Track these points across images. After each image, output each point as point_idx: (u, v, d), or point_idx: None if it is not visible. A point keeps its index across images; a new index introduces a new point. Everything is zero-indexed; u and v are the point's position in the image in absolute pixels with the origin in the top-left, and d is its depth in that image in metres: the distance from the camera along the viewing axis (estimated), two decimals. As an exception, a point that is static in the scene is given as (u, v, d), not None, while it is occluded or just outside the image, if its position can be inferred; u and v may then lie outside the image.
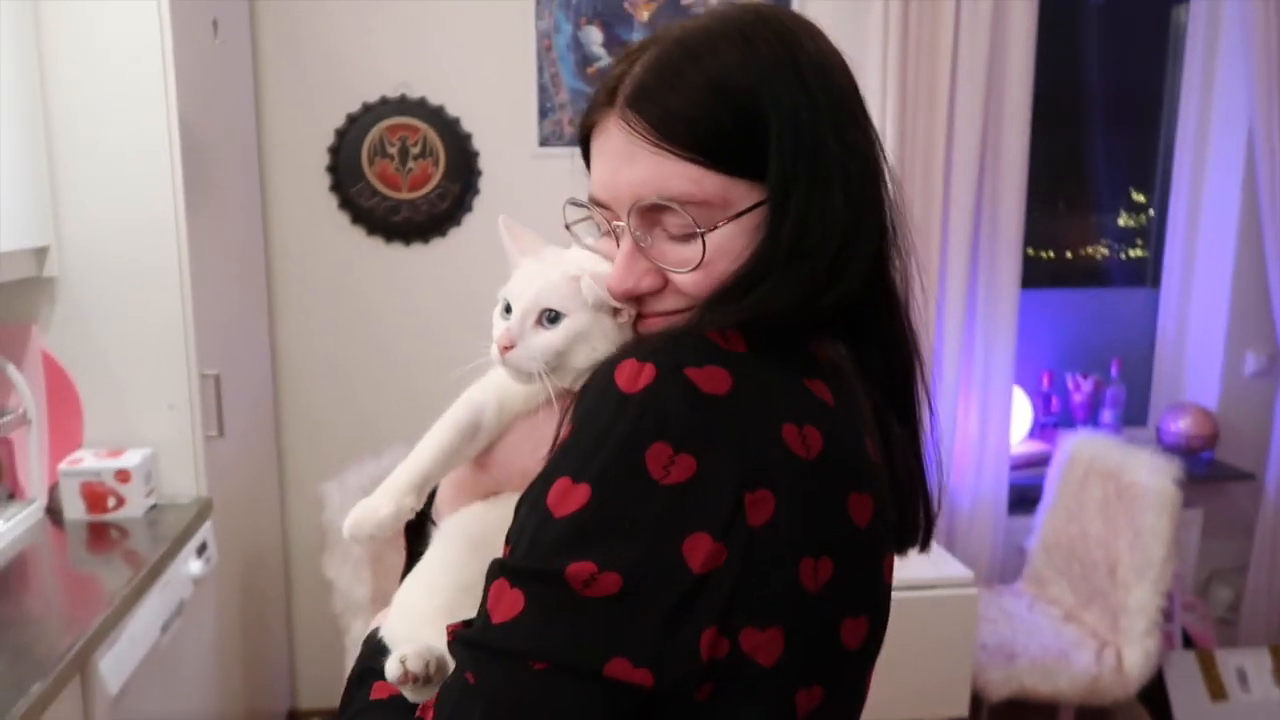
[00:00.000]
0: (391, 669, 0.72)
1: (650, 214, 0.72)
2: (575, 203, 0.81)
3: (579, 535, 0.62)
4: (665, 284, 0.74)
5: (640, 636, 0.61)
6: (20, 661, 1.41)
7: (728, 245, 0.71)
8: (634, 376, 0.64)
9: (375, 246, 2.71)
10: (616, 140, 0.73)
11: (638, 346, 0.68)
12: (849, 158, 0.72)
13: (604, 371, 0.66)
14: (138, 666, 1.63)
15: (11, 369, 1.93)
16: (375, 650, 0.80)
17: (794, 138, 0.69)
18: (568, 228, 0.84)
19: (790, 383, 0.69)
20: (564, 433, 0.67)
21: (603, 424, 0.63)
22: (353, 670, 0.82)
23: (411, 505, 0.76)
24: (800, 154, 0.70)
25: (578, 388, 0.71)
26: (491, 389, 0.82)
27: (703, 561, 0.61)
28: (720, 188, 0.70)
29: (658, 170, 0.70)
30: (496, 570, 0.65)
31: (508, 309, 0.79)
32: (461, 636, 0.65)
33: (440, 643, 0.70)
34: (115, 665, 1.56)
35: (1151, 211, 3.24)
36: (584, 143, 0.79)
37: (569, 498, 0.63)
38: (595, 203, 0.77)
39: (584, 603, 0.61)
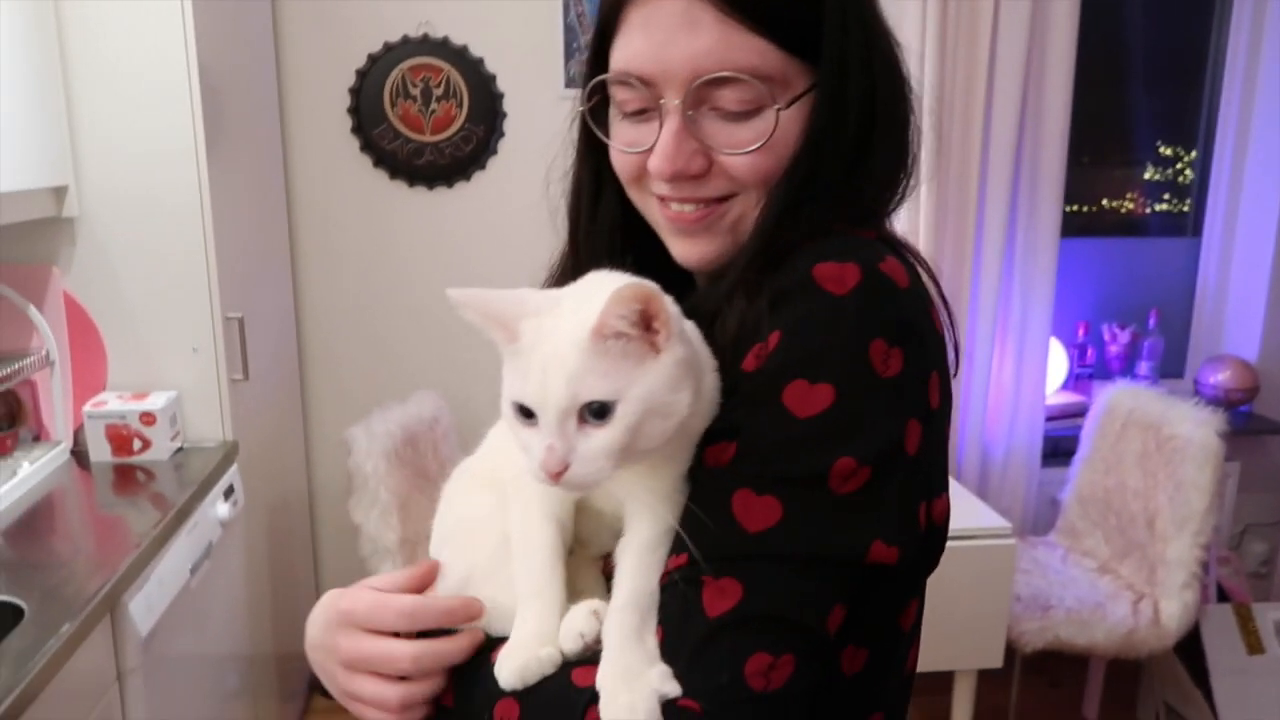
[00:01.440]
0: (572, 641, 0.67)
1: (704, 90, 0.70)
2: (596, 82, 0.74)
3: (831, 433, 0.63)
4: (709, 167, 0.72)
5: (889, 519, 0.64)
6: (51, 602, 1.40)
7: (790, 127, 0.71)
8: (840, 277, 0.65)
9: (398, 190, 2.66)
10: (672, 7, 0.68)
11: (822, 249, 0.66)
12: (889, 44, 0.75)
13: (800, 274, 0.65)
14: (167, 608, 1.62)
15: (33, 310, 1.91)
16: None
17: (845, 18, 0.71)
18: (583, 115, 0.79)
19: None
20: (773, 339, 0.65)
21: (824, 326, 0.64)
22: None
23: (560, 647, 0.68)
24: (852, 36, 0.71)
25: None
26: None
27: (916, 445, 0.65)
28: (781, 65, 0.70)
29: (723, 40, 0.68)
30: (730, 481, 0.64)
31: (524, 412, 0.63)
32: (707, 554, 0.63)
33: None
34: (145, 606, 1.54)
35: (1193, 162, 3.14)
36: (608, 22, 0.73)
37: (811, 399, 0.63)
38: (627, 80, 0.72)
39: (841, 498, 0.63)
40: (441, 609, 0.72)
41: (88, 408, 1.94)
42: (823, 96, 0.71)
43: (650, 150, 0.73)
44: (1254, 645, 2.46)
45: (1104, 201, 3.18)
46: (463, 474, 0.82)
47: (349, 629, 0.73)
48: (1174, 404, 2.39)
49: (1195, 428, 2.28)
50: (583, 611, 0.68)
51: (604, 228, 0.84)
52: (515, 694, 0.66)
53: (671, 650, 0.64)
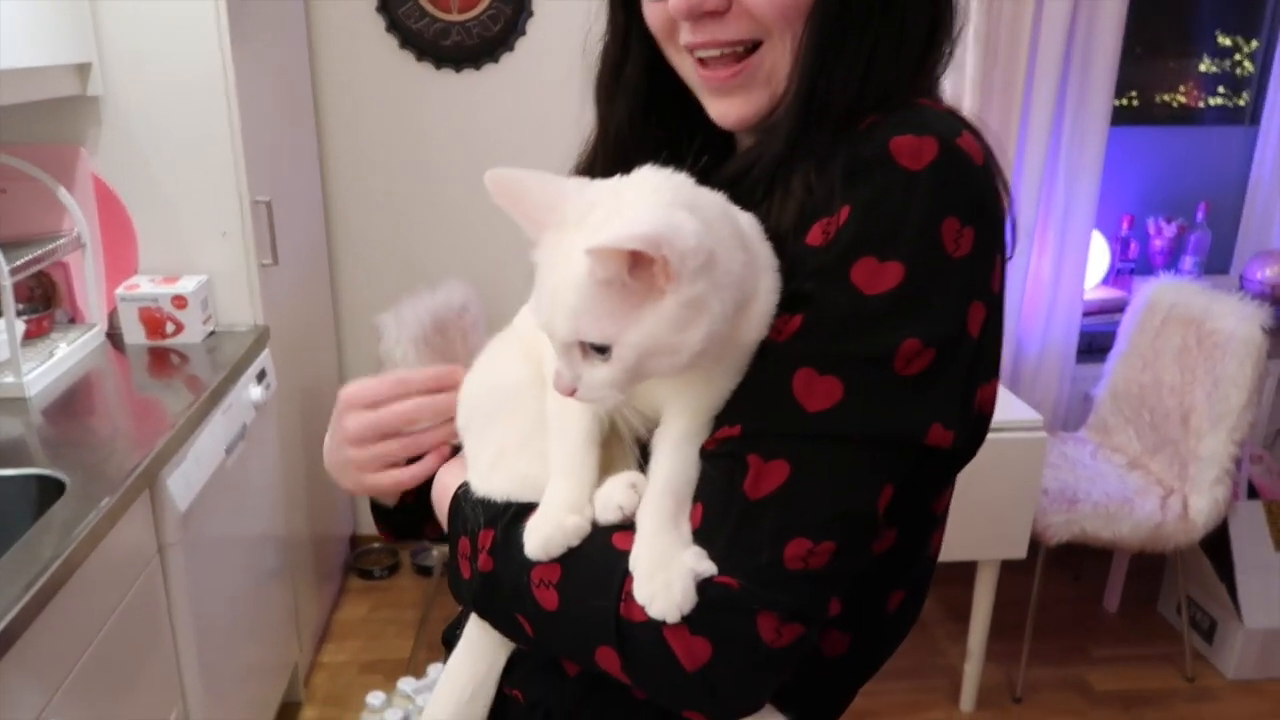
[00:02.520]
0: (610, 514, 0.67)
1: None
2: None
3: (898, 313, 0.61)
4: (729, 6, 0.69)
5: (950, 401, 0.64)
6: (91, 478, 1.43)
7: None
8: (917, 152, 0.62)
9: (425, 72, 2.59)
10: None
11: (899, 119, 0.64)
12: None
13: (877, 147, 0.63)
14: (204, 486, 1.66)
15: (63, 191, 1.90)
16: (488, 506, 0.73)
17: None
18: None
19: None
20: (843, 213, 0.63)
21: (898, 202, 0.62)
22: (467, 530, 0.74)
23: (590, 514, 0.68)
24: None
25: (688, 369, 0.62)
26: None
27: (979, 327, 0.65)
28: None
29: None
30: (793, 359, 0.63)
31: None
32: (760, 430, 0.63)
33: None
34: (183, 483, 1.58)
35: (1254, 53, 2.99)
36: None
37: (880, 276, 0.61)
38: None
39: (905, 379, 0.62)
40: (428, 376, 0.81)
41: (120, 291, 1.96)
42: None
43: None
44: (1282, 542, 2.45)
45: (1156, 97, 3.04)
46: (502, 339, 0.81)
47: (350, 412, 0.81)
48: (1218, 298, 2.33)
49: (1239, 322, 2.23)
50: (621, 484, 0.67)
51: (627, 94, 0.81)
52: (557, 557, 0.67)
53: (711, 526, 0.63)
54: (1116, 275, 2.97)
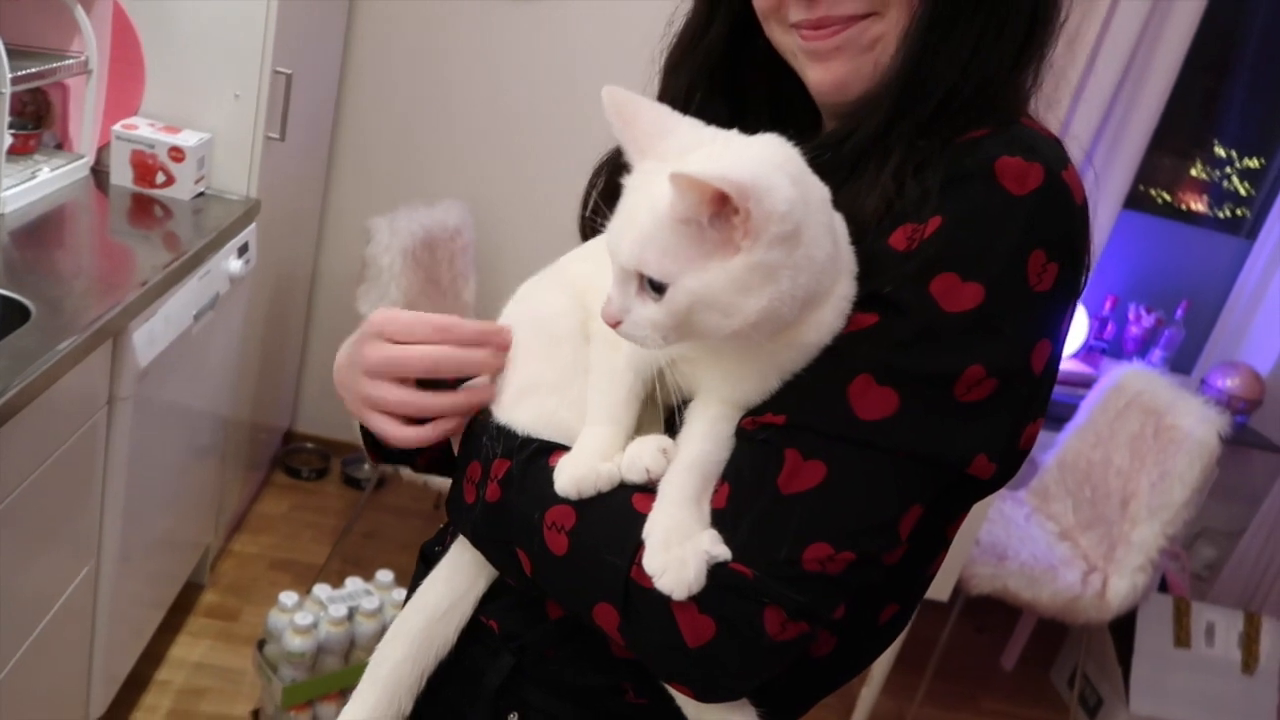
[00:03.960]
0: (636, 474, 0.65)
1: None
2: None
3: (969, 336, 0.60)
4: None
5: (999, 434, 0.63)
6: (56, 313, 1.37)
7: None
8: (1022, 176, 0.60)
9: (468, -12, 2.52)
10: None
11: (1010, 138, 0.62)
12: None
13: (980, 163, 0.61)
14: (167, 347, 1.60)
15: (79, 11, 1.81)
16: (508, 436, 0.70)
17: None
18: None
19: None
20: (933, 223, 0.61)
21: (991, 224, 0.60)
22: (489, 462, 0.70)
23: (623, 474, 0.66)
24: None
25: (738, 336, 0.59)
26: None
27: (1043, 365, 0.63)
28: None
29: None
30: (854, 362, 0.61)
31: None
32: (805, 425, 0.61)
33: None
34: (148, 339, 1.52)
35: (1257, 169, 3.05)
36: None
37: (960, 295, 0.60)
38: None
39: (961, 404, 0.61)
40: (474, 328, 0.72)
41: (118, 128, 1.87)
42: None
43: None
44: (1183, 639, 2.54)
45: (1154, 192, 3.08)
46: (548, 274, 0.78)
47: (377, 339, 0.73)
48: (1183, 396, 2.39)
49: (1198, 423, 2.28)
50: (650, 446, 0.66)
51: (693, 66, 0.78)
52: (573, 502, 0.65)
53: (735, 510, 0.62)
54: (1087, 351, 3.03)
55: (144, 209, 1.86)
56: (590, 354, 0.70)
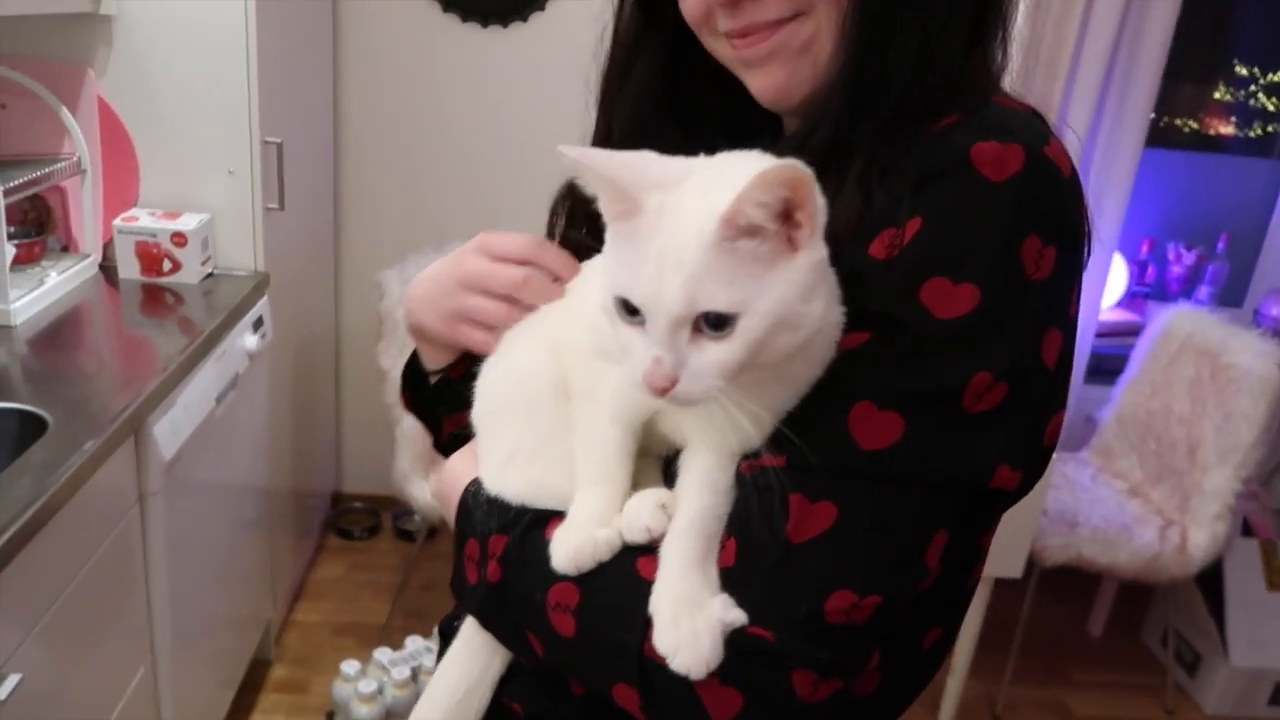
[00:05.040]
0: (637, 534, 0.61)
1: None
2: None
3: (970, 342, 0.55)
4: None
5: (1018, 440, 0.57)
6: (75, 417, 1.36)
7: None
8: (1000, 161, 0.56)
9: (450, 24, 2.50)
10: None
11: (981, 122, 0.57)
12: None
13: (954, 155, 0.56)
14: (191, 435, 1.59)
15: (65, 113, 1.82)
16: (501, 509, 0.67)
17: None
18: None
19: None
20: (912, 226, 0.56)
21: (976, 217, 0.56)
22: (475, 534, 0.68)
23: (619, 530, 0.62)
24: None
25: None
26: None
27: (1055, 357, 0.58)
28: None
29: None
30: (851, 388, 0.56)
31: (629, 310, 0.54)
32: (807, 465, 0.56)
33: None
34: (170, 430, 1.51)
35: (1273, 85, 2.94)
36: None
37: (953, 299, 0.55)
38: None
39: (971, 418, 0.56)
40: (560, 255, 0.72)
41: (118, 222, 1.88)
42: None
43: None
44: (1275, 582, 2.43)
45: (1176, 120, 2.98)
46: (526, 325, 0.74)
47: (479, 254, 0.73)
48: (1236, 333, 2.29)
49: (1255, 359, 2.19)
50: (649, 503, 0.61)
51: (635, 90, 0.74)
52: (574, 578, 0.61)
53: (746, 567, 0.57)
54: (1131, 298, 2.93)
55: (155, 298, 1.86)
56: (572, 412, 0.66)
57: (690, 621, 0.55)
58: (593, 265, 0.72)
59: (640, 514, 0.61)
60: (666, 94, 0.74)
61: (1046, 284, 0.57)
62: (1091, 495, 2.42)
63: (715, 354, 0.52)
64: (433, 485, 0.68)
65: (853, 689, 0.57)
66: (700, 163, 0.57)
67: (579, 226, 0.75)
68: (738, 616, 0.56)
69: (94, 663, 1.38)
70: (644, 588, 0.58)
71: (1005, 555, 2.13)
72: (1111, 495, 2.44)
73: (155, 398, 1.47)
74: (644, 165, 0.56)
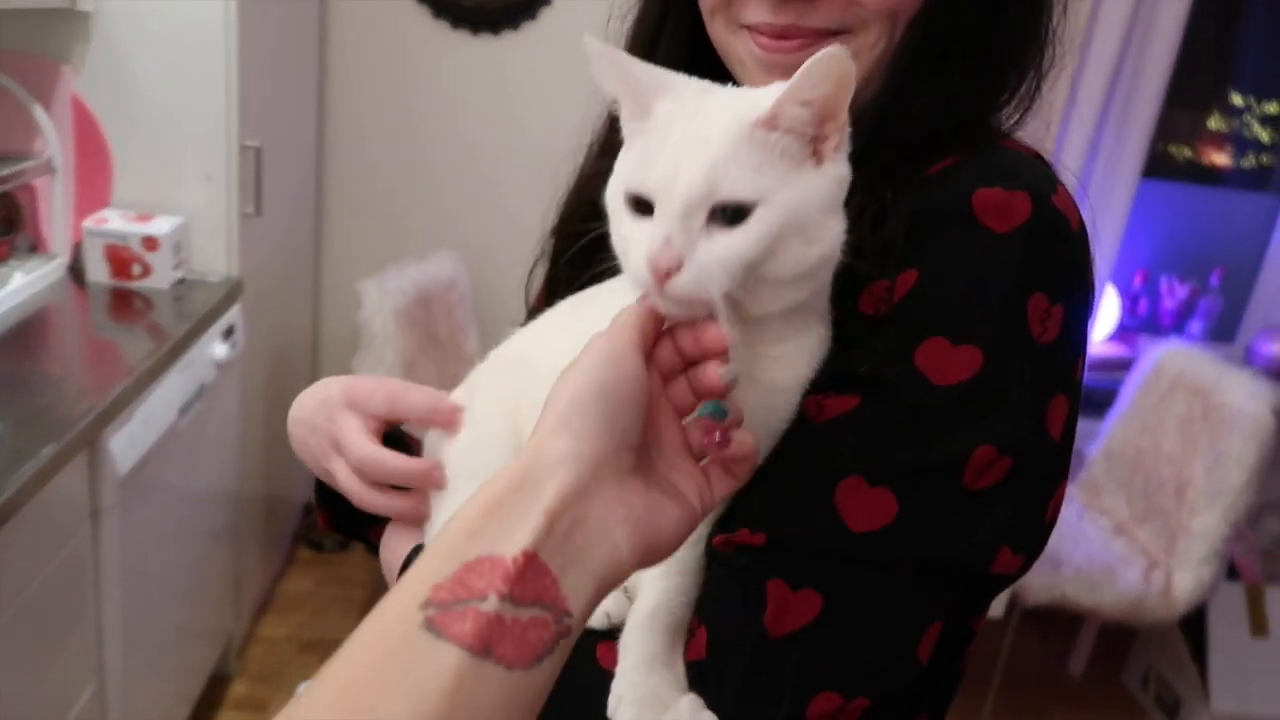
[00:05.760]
0: (595, 619, 0.56)
1: None
2: None
3: (971, 412, 0.50)
4: None
5: (1021, 522, 0.53)
6: (29, 425, 1.31)
7: None
8: (1005, 210, 0.51)
9: (440, 31, 2.46)
10: None
11: (986, 165, 0.53)
12: None
13: (955, 201, 0.52)
14: (152, 448, 1.54)
15: (39, 110, 1.77)
16: None
17: None
18: None
19: None
20: (906, 280, 0.51)
21: (977, 272, 0.51)
22: None
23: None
24: None
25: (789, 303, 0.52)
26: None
27: (1060, 426, 0.53)
28: None
29: None
30: (838, 460, 0.51)
31: (638, 206, 0.51)
32: (789, 546, 0.51)
33: None
34: (126, 444, 1.46)
35: (1270, 114, 2.91)
36: None
37: (952, 363, 0.50)
38: None
39: (972, 496, 0.51)
40: (405, 464, 0.65)
41: (88, 223, 1.82)
42: None
43: None
44: (1259, 627, 2.39)
45: (1173, 147, 2.95)
46: (485, 372, 0.69)
47: (347, 410, 0.67)
48: (1228, 371, 2.26)
49: (1248, 399, 2.16)
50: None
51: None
52: None
53: (718, 663, 0.52)
54: (1123, 332, 2.90)
55: (124, 303, 1.81)
56: None
57: None
58: (556, 313, 0.68)
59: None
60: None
61: (1053, 346, 0.53)
62: (1076, 532, 2.38)
63: (725, 246, 0.48)
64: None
65: None
66: (723, 87, 0.54)
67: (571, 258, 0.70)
68: (709, 719, 0.51)
69: (39, 679, 1.33)
70: (605, 679, 0.53)
71: (987, 593, 2.09)
72: (1097, 533, 2.40)
73: (114, 409, 1.42)
74: (668, 78, 0.53)
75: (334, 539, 2.74)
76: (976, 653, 2.32)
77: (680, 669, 0.53)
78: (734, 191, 0.48)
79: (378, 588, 2.12)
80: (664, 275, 0.48)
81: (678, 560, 0.55)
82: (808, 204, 0.49)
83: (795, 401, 0.54)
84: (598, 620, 0.56)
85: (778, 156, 0.49)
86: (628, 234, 0.51)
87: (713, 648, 0.53)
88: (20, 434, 1.29)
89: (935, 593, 0.52)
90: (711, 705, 0.51)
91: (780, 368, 0.54)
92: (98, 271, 1.83)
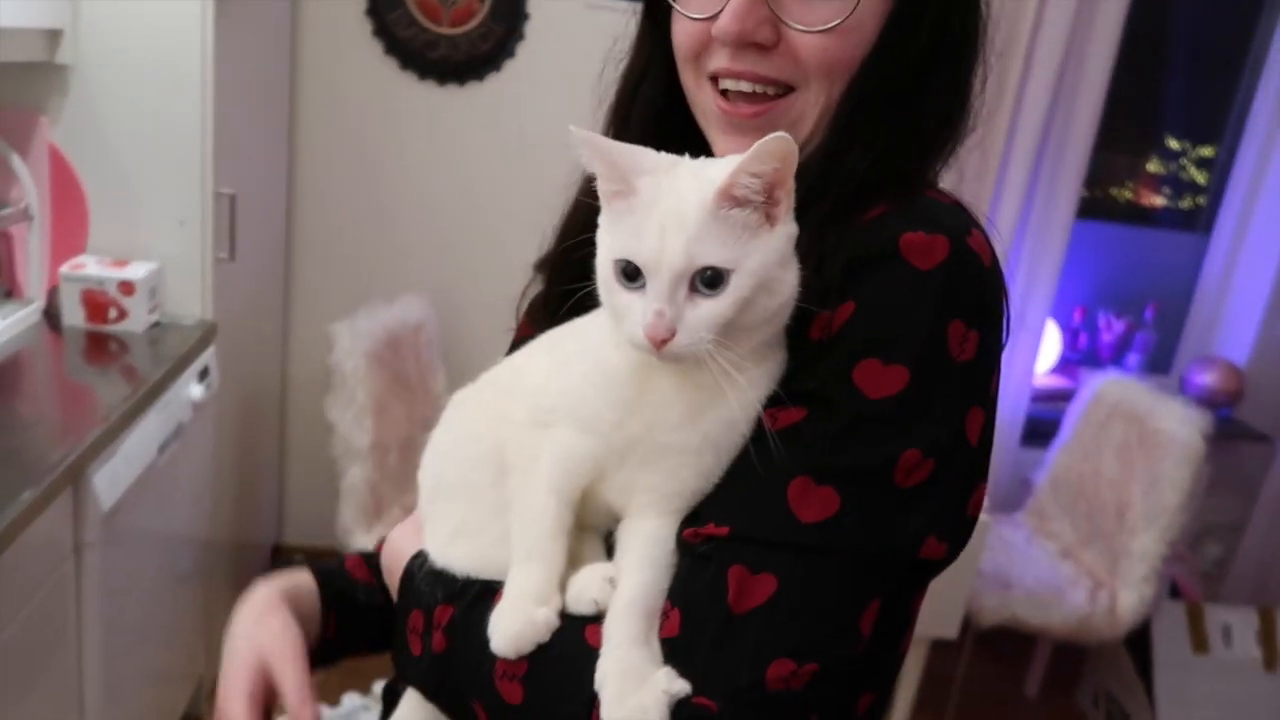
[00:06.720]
0: (584, 606, 0.64)
1: None
2: None
3: (900, 421, 0.59)
4: (777, 43, 0.67)
5: (945, 513, 0.62)
6: (10, 466, 1.34)
7: (868, 15, 0.67)
8: (927, 250, 0.60)
9: (407, 83, 2.54)
10: None
11: (911, 213, 0.63)
12: None
13: (884, 243, 0.61)
14: (132, 485, 1.57)
15: (16, 159, 1.81)
16: (446, 581, 0.69)
17: None
18: None
19: None
20: (844, 311, 0.61)
21: (904, 303, 0.60)
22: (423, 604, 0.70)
23: (558, 605, 0.64)
24: None
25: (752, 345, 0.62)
26: (563, 417, 0.66)
27: (977, 434, 0.63)
28: None
29: None
30: (789, 463, 0.60)
31: (628, 274, 0.60)
32: (749, 536, 0.60)
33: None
34: (110, 480, 1.49)
35: (1208, 158, 3.10)
36: None
37: (884, 380, 0.59)
38: None
39: (902, 491, 0.60)
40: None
41: (65, 269, 1.86)
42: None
43: (716, 18, 0.68)
44: (1200, 644, 2.50)
45: (1138, 192, 3.12)
46: (471, 395, 0.76)
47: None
48: (1162, 400, 2.39)
49: (1180, 425, 2.28)
50: (596, 578, 0.64)
51: (640, 115, 0.78)
52: None
53: (688, 638, 0.60)
54: (1064, 364, 3.03)
55: (99, 347, 1.85)
56: (509, 485, 0.68)
57: (636, 697, 0.57)
58: (540, 343, 0.74)
59: (588, 587, 0.63)
60: (660, 125, 0.77)
61: (970, 366, 0.61)
62: (1025, 556, 2.48)
63: (708, 309, 0.58)
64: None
65: None
66: (685, 159, 0.63)
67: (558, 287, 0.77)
68: (682, 687, 0.58)
69: (20, 717, 1.35)
70: (592, 657, 0.61)
71: (941, 616, 2.17)
72: (1044, 557, 2.50)
73: (96, 447, 1.46)
74: (640, 155, 0.62)
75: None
76: (934, 675, 2.40)
77: (656, 647, 0.61)
78: (710, 260, 0.58)
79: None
80: (660, 343, 0.58)
81: (652, 557, 0.63)
82: (769, 264, 0.59)
83: (756, 416, 0.63)
84: (586, 607, 0.63)
85: (740, 228, 0.59)
86: (621, 305, 0.60)
87: (684, 625, 0.61)
88: (3, 474, 1.32)
89: (873, 574, 0.60)
90: (684, 675, 0.59)
91: (745, 389, 0.62)
92: (73, 315, 1.87)
